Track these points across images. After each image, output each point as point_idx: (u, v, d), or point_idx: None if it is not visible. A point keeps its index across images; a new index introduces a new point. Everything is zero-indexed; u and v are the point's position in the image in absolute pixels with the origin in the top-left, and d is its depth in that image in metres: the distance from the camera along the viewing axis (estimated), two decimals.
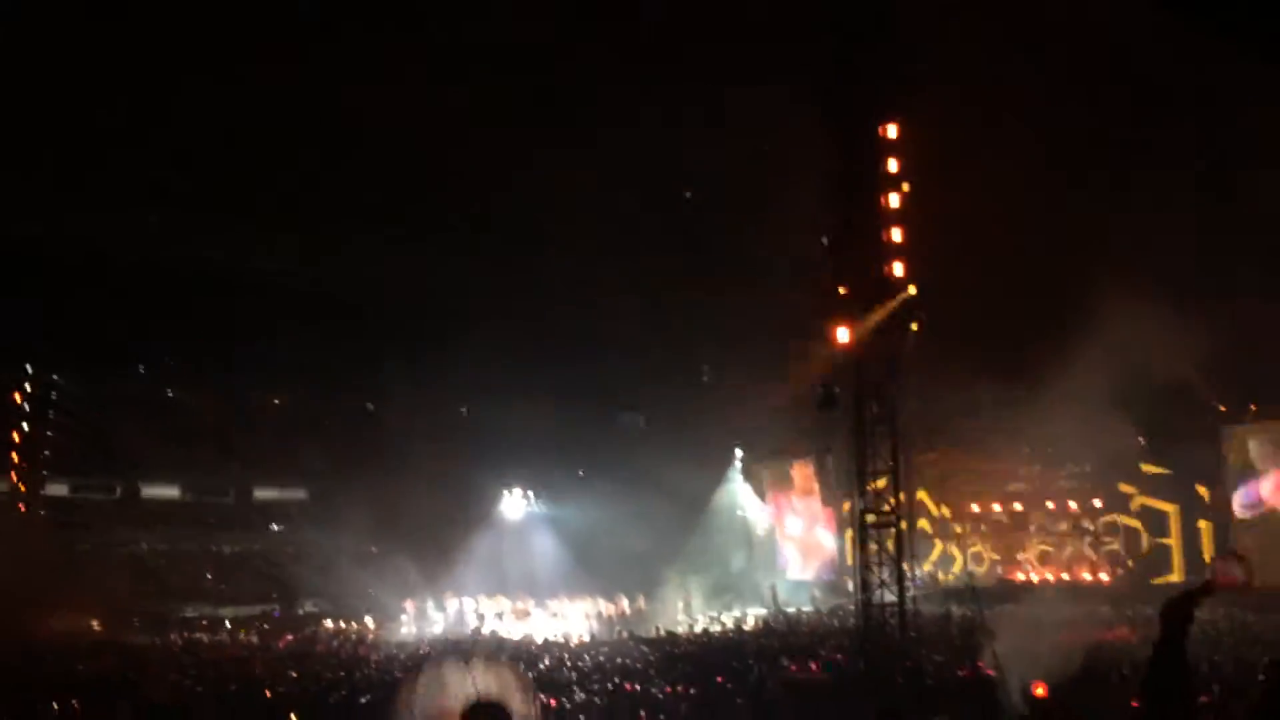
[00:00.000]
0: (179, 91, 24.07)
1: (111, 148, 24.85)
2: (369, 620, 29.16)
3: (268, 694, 14.74)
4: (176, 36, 22.50)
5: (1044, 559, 32.77)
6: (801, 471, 38.66)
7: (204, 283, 29.59)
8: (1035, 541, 32.97)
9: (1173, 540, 29.94)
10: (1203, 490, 29.22)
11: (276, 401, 36.97)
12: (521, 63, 23.55)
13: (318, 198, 27.85)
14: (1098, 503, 31.24)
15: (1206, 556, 28.83)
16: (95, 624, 28.25)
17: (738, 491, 40.53)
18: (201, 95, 24.19)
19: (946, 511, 34.65)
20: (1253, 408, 28.21)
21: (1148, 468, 29.96)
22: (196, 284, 29.55)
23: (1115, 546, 31.20)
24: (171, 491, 37.27)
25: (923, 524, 34.21)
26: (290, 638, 26.27)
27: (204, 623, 29.47)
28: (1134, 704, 7.81)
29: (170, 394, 35.81)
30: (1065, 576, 31.63)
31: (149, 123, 24.65)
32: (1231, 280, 22.01)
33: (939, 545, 34.77)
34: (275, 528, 37.41)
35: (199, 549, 35.73)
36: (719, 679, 14.56)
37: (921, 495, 34.08)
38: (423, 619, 30.50)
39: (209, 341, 31.59)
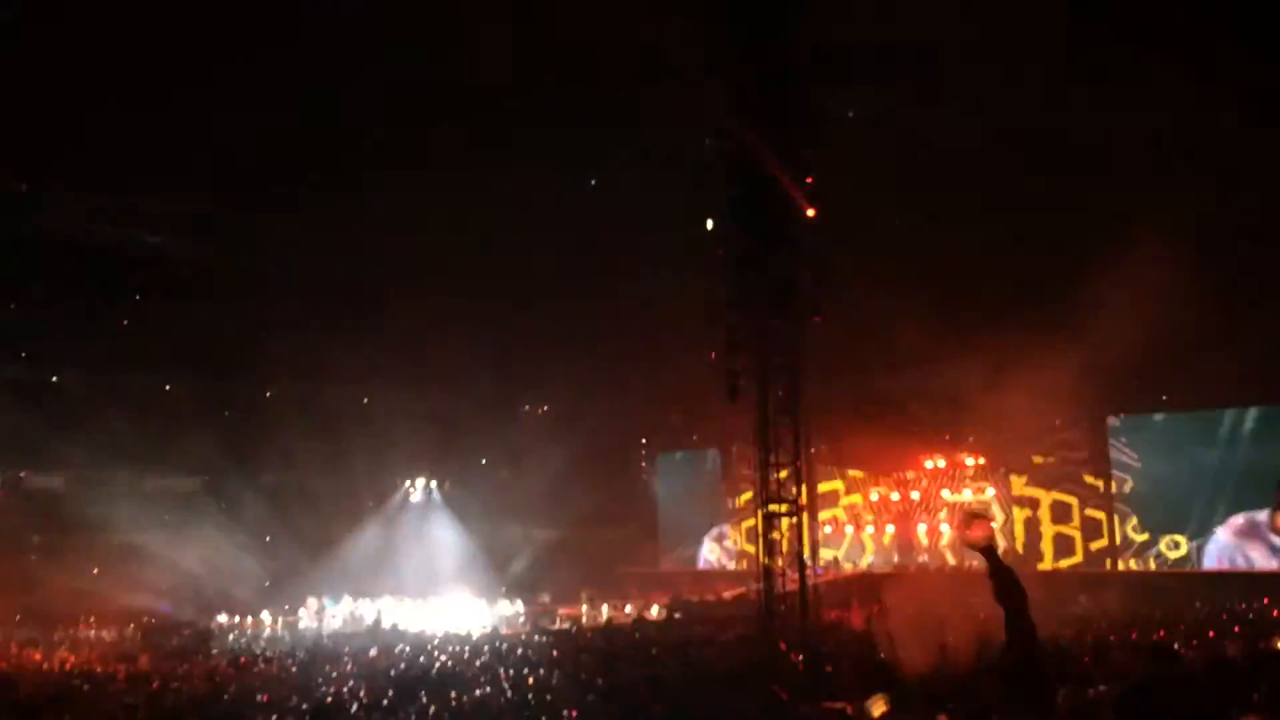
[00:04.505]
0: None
1: None
2: (265, 615, 28.48)
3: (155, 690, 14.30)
4: None
5: (939, 545, 33.71)
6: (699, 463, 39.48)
7: (86, 264, 28.43)
8: (931, 527, 33.88)
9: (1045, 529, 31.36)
10: (1091, 480, 30.52)
11: (167, 388, 35.70)
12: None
13: (208, 172, 27.06)
14: (991, 490, 32.30)
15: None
16: None
17: (644, 481, 40.81)
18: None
19: (858, 499, 35.40)
20: None
21: (1036, 458, 31.14)
22: (79, 266, 28.38)
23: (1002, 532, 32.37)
24: (55, 482, 35.82)
25: (836, 512, 35.04)
26: (186, 633, 25.56)
27: (92, 619, 28.40)
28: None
29: (53, 380, 34.36)
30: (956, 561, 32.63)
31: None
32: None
33: (849, 534, 35.52)
34: (166, 518, 36.22)
35: (84, 542, 34.41)
36: (621, 670, 14.59)
37: (833, 485, 34.88)
38: (320, 612, 29.92)
39: (93, 325, 30.37)
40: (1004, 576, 5.49)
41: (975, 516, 5.80)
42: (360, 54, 23.45)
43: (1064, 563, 30.63)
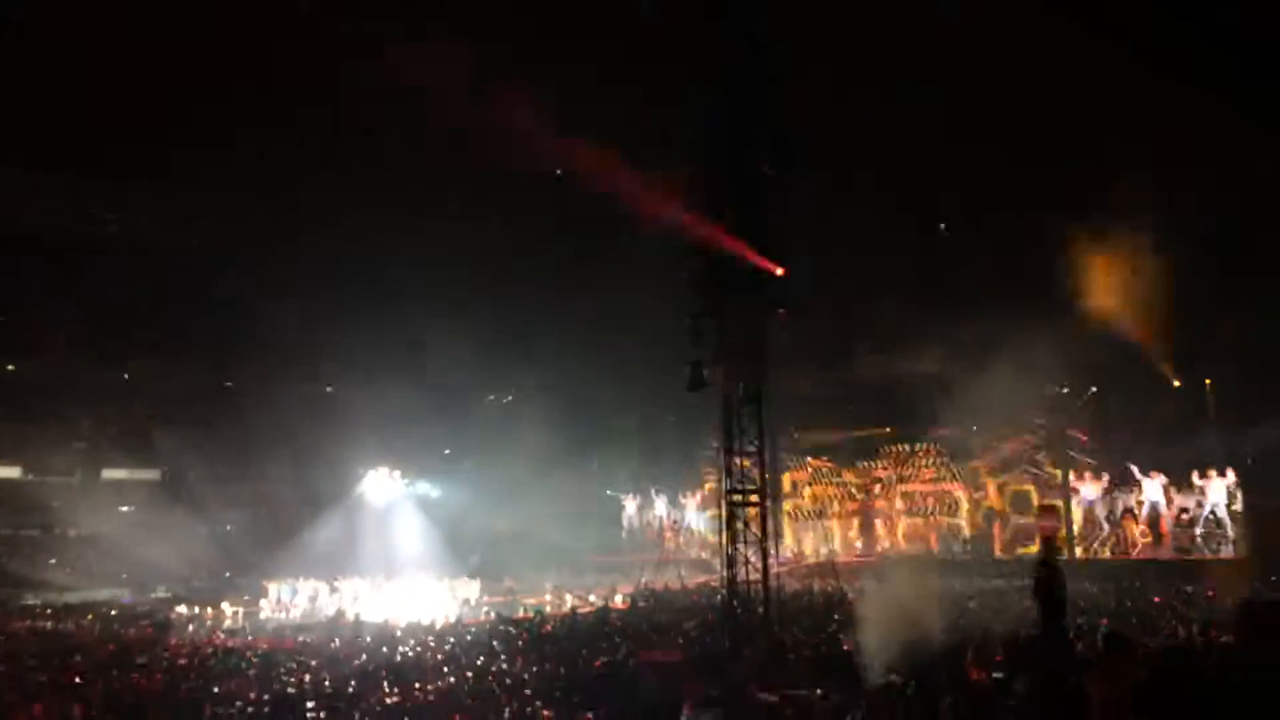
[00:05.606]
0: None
1: None
2: (225, 606, 28.18)
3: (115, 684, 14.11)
4: None
5: (900, 533, 34.07)
6: None
7: (44, 248, 27.93)
8: (893, 517, 34.20)
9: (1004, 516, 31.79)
10: (1051, 469, 30.92)
11: (126, 376, 35.21)
12: None
13: (177, 158, 26.66)
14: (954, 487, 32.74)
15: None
16: None
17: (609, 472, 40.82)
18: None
19: (822, 490, 35.69)
20: None
21: (998, 445, 31.49)
22: (37, 250, 27.87)
23: (960, 521, 32.87)
24: (12, 472, 35.34)
25: (800, 501, 35.34)
26: (144, 624, 25.23)
27: (48, 611, 28.01)
28: (973, 674, 8.14)
29: (11, 368, 33.83)
30: (920, 549, 32.99)
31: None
32: None
33: (815, 523, 35.83)
34: (125, 509, 35.79)
35: (42, 532, 33.98)
36: (585, 658, 14.61)
37: (798, 475, 35.16)
38: (282, 603, 29.63)
39: (50, 312, 29.84)
40: (1054, 574, 5.52)
41: (1047, 508, 5.89)
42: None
43: (1024, 550, 31.00)
